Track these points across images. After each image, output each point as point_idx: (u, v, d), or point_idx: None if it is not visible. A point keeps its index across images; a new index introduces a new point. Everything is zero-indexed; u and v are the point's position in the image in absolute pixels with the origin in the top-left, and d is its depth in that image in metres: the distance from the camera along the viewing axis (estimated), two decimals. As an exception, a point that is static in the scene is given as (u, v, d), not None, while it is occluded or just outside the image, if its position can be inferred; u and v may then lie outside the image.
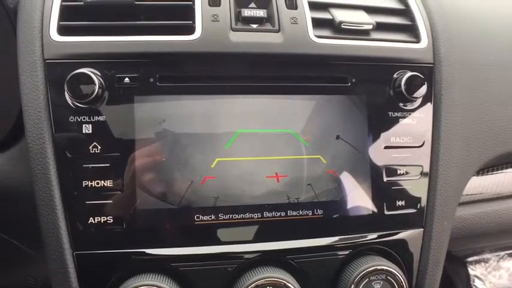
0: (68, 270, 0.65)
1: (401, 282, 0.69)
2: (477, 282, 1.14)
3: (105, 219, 0.65)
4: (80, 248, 0.65)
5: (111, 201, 0.65)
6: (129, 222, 0.65)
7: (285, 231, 0.69)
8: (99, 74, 0.65)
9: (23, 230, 0.76)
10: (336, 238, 0.71)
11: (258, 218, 0.68)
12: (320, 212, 0.70)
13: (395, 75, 0.74)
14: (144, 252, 0.66)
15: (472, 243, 1.04)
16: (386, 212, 0.72)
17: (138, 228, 0.66)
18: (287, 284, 0.65)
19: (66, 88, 0.63)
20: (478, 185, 0.87)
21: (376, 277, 0.69)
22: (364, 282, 0.68)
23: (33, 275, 0.85)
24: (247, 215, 0.68)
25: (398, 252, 0.73)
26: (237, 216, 0.68)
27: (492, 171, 0.90)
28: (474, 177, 0.86)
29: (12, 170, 0.71)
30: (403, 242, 0.73)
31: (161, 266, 0.66)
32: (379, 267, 0.69)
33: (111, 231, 0.65)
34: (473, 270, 1.14)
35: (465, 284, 1.12)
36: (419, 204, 0.74)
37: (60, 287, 0.66)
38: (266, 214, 0.69)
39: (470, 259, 1.13)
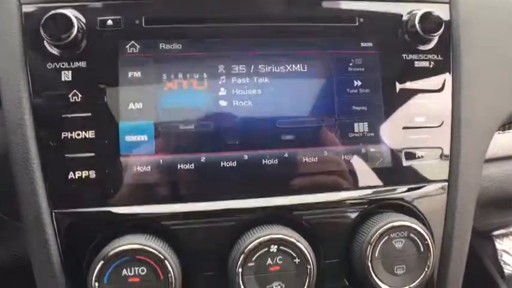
0: (46, 231, 0.57)
1: (427, 240, 0.60)
2: (505, 257, 1.04)
3: (87, 173, 0.58)
4: (59, 206, 0.58)
5: (92, 154, 0.58)
6: (114, 176, 0.58)
7: (291, 184, 0.61)
8: (78, 16, 0.59)
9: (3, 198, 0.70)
10: (349, 193, 0.62)
11: (260, 168, 0.60)
12: (331, 163, 0.62)
13: (407, 13, 0.67)
14: (131, 210, 0.58)
15: (497, 217, 0.94)
16: (404, 163, 0.64)
17: (124, 184, 0.58)
18: (296, 242, 0.57)
19: (42, 31, 0.57)
20: (506, 142, 0.78)
21: (397, 234, 0.60)
22: (383, 240, 0.59)
23: (17, 249, 0.77)
24: (248, 167, 0.60)
25: (420, 210, 0.64)
26: (236, 167, 0.60)
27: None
28: (498, 134, 0.77)
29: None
30: (424, 198, 0.64)
31: (150, 225, 0.58)
32: (400, 224, 0.60)
33: (94, 188, 0.58)
34: (501, 245, 1.04)
35: (493, 259, 1.02)
36: (441, 154, 0.65)
37: (38, 253, 0.58)
38: (269, 163, 0.61)
39: (496, 233, 1.04)
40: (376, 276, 0.59)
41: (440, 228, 0.65)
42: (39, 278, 0.59)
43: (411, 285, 0.60)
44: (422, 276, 0.60)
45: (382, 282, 0.59)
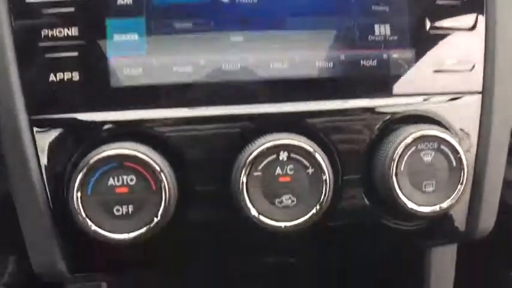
0: (23, 139, 0.50)
1: (459, 153, 0.52)
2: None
3: (70, 75, 0.51)
4: (39, 112, 0.51)
5: (76, 54, 0.51)
6: (100, 78, 0.51)
7: (304, 90, 0.53)
8: None
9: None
10: (370, 101, 0.54)
11: (268, 72, 0.52)
12: (349, 67, 0.54)
13: None
14: (119, 115, 0.51)
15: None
16: (432, 72, 0.56)
17: (112, 87, 0.51)
18: (309, 149, 0.49)
19: None
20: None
21: (426, 146, 0.52)
22: (410, 152, 0.51)
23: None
24: (254, 70, 0.52)
25: (449, 123, 0.56)
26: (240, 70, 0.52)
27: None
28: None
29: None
30: (455, 110, 0.56)
31: (142, 133, 0.51)
32: (429, 133, 0.52)
33: (77, 91, 0.50)
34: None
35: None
36: (473, 65, 0.57)
37: (15, 168, 0.51)
38: (278, 66, 0.52)
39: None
40: (401, 192, 0.51)
41: (473, 144, 0.57)
42: (17, 194, 0.52)
43: (442, 204, 0.52)
44: (454, 194, 0.52)
45: (409, 200, 0.51)
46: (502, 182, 0.58)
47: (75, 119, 0.51)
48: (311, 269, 0.75)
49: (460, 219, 0.59)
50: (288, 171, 0.49)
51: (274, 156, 0.49)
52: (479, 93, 0.57)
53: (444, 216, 0.57)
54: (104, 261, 0.55)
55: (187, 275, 0.69)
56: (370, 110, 0.54)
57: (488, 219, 0.59)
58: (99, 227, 0.48)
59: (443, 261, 0.67)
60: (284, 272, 0.72)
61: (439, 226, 0.58)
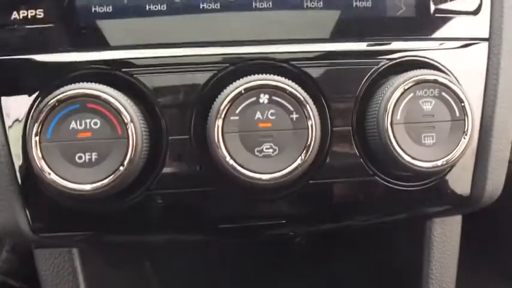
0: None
1: (463, 101, 0.46)
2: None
3: (33, 13, 0.46)
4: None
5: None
6: (66, 16, 0.46)
7: (289, 31, 0.48)
8: None
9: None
10: (362, 44, 0.49)
11: (251, 10, 0.47)
12: (339, 8, 0.48)
13: None
14: (86, 56, 0.46)
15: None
16: (433, 15, 0.50)
17: (79, 25, 0.46)
18: (293, 91, 0.43)
19: None
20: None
21: (425, 92, 0.46)
22: (408, 98, 0.46)
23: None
24: (236, 8, 0.47)
25: (452, 70, 0.50)
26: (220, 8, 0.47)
27: None
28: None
29: None
30: (458, 57, 0.51)
31: (109, 74, 0.46)
32: (429, 77, 0.46)
33: (42, 29, 0.46)
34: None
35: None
36: (479, 4, 0.51)
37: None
38: (262, 5, 0.47)
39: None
40: (397, 144, 0.46)
41: (479, 94, 0.51)
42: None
43: (444, 160, 0.46)
44: (457, 148, 0.46)
45: (406, 154, 0.46)
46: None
47: (38, 61, 0.46)
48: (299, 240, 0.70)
49: (463, 182, 0.53)
50: (269, 116, 0.44)
51: (254, 98, 0.43)
52: (486, 39, 0.52)
53: (446, 176, 0.51)
54: (69, 221, 0.50)
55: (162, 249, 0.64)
56: (364, 54, 0.49)
57: (496, 182, 0.53)
58: (58, 176, 0.43)
59: (447, 235, 0.61)
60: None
61: (440, 189, 0.52)
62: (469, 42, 0.51)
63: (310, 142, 0.44)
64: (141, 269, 0.69)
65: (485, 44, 0.51)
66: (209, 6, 0.47)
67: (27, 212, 0.49)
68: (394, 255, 0.68)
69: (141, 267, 0.70)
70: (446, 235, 0.61)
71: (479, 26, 0.51)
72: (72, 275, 0.56)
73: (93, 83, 0.44)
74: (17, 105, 0.46)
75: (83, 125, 0.43)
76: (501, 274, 0.77)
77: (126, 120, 0.43)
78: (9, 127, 0.47)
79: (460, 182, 0.53)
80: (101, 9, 0.46)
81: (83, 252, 0.57)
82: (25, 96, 0.46)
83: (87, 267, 0.57)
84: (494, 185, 0.53)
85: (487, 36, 0.52)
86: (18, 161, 0.47)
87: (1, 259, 0.87)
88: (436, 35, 0.51)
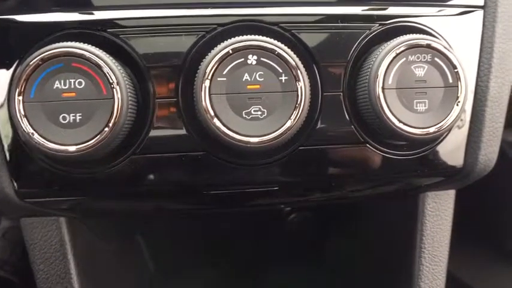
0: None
1: (456, 67, 0.45)
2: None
3: (18, -29, 0.46)
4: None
5: None
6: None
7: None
8: None
9: None
10: (352, 8, 0.48)
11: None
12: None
13: None
14: (70, 16, 0.45)
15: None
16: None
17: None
18: (282, 52, 0.42)
19: None
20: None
21: (418, 58, 0.45)
22: (400, 63, 0.45)
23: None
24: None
25: (445, 37, 0.49)
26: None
27: None
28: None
29: None
30: (452, 23, 0.50)
31: (93, 34, 0.45)
32: (422, 42, 0.45)
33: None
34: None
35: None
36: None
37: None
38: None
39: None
40: (389, 110, 0.45)
41: (473, 63, 0.50)
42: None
43: (436, 127, 0.45)
44: (450, 115, 0.46)
45: (398, 120, 0.45)
46: (507, 107, 0.51)
47: (22, 21, 0.45)
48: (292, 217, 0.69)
49: (456, 152, 0.52)
50: (258, 78, 0.43)
51: (242, 59, 0.42)
52: (481, 7, 0.51)
53: (438, 146, 0.50)
54: (55, 187, 0.49)
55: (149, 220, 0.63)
56: (357, 18, 0.48)
57: (489, 152, 0.52)
58: (42, 137, 0.42)
59: (440, 210, 0.60)
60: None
61: (432, 159, 0.51)
62: (464, 10, 0.50)
63: (300, 105, 0.43)
64: (129, 240, 0.69)
65: (481, 12, 0.51)
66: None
67: (13, 177, 0.48)
68: (388, 229, 0.68)
69: (128, 238, 0.69)
70: (439, 209, 0.61)
71: (475, -9, 0.51)
72: (59, 244, 0.55)
73: (78, 42, 0.43)
74: (0, 67, 0.45)
75: (67, 85, 0.42)
76: (495, 252, 0.77)
77: (111, 80, 0.42)
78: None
79: (453, 153, 0.52)
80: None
81: (70, 222, 0.56)
82: (8, 57, 0.45)
83: (74, 236, 0.57)
84: (488, 155, 0.52)
85: (482, 4, 0.51)
86: (2, 126, 0.47)
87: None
88: (431, 1, 0.49)
